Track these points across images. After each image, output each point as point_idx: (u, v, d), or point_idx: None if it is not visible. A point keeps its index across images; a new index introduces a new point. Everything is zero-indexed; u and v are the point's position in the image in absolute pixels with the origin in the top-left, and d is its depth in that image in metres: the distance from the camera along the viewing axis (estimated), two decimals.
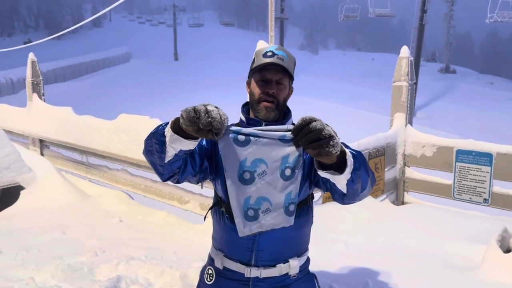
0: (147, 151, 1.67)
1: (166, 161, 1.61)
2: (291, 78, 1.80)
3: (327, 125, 1.39)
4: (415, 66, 24.87)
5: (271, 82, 1.75)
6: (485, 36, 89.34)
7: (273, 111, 1.75)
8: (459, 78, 41.91)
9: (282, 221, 1.59)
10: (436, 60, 58.19)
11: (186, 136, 1.50)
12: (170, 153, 1.57)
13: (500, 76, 48.44)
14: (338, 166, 1.46)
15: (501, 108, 26.59)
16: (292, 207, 1.60)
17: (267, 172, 1.55)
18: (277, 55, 1.74)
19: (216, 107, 1.45)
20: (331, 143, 1.34)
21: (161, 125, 1.62)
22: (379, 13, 25.42)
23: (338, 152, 1.39)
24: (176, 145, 1.54)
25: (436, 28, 46.43)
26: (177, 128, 1.50)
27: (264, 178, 1.56)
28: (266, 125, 1.74)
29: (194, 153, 1.72)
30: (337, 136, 1.38)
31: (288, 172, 1.55)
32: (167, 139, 1.53)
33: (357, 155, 1.58)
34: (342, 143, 1.54)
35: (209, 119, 1.40)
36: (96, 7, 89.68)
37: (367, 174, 1.61)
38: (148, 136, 1.65)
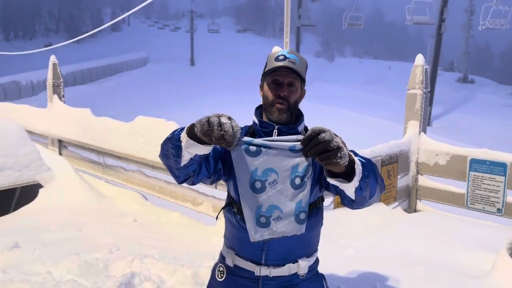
0: (163, 155, 1.75)
1: (181, 165, 1.68)
2: (303, 81, 1.85)
3: (336, 135, 1.44)
4: (432, 75, 24.68)
5: (283, 84, 1.80)
6: (505, 47, 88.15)
7: (284, 113, 1.80)
8: (477, 88, 41.40)
9: (293, 229, 1.64)
10: (454, 69, 57.54)
11: (201, 141, 1.57)
12: (186, 157, 1.65)
13: None
14: (347, 175, 1.52)
15: None
16: (302, 216, 1.64)
17: (277, 181, 1.61)
18: (289, 58, 1.79)
19: (229, 118, 1.51)
20: (338, 154, 1.39)
21: (177, 130, 1.70)
22: (417, 20, 24.31)
23: (346, 163, 1.44)
24: (191, 150, 1.61)
25: (454, 37, 46.02)
26: (193, 134, 1.57)
27: (275, 187, 1.62)
28: (278, 128, 1.80)
29: (209, 156, 1.78)
30: (345, 147, 1.43)
31: (297, 181, 1.60)
32: (182, 144, 1.60)
33: (366, 163, 1.62)
34: (351, 151, 1.60)
35: (222, 132, 1.47)
36: (116, 11, 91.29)
37: (376, 181, 1.65)
38: (164, 141, 1.73)
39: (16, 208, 5.92)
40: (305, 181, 1.61)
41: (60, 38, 70.28)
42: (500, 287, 2.94)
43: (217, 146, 1.82)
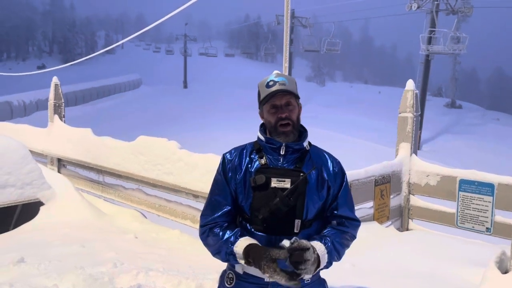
0: (205, 244, 2.02)
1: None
2: (297, 97, 2.03)
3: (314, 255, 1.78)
4: (421, 100, 25.22)
5: (281, 107, 1.97)
6: (491, 73, 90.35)
7: (291, 133, 1.98)
8: (465, 113, 42.22)
9: None
10: (442, 95, 58.70)
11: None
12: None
13: (507, 113, 48.70)
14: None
15: (508, 144, 26.72)
16: None
17: None
18: (278, 82, 1.97)
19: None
20: (304, 272, 1.75)
21: (231, 250, 1.90)
22: (432, 50, 24.68)
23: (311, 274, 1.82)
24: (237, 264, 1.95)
25: (442, 64, 47.11)
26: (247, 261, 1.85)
27: None
28: (285, 144, 1.97)
29: (234, 214, 2.02)
30: (315, 264, 1.79)
31: None
32: (236, 261, 1.91)
33: (338, 247, 1.95)
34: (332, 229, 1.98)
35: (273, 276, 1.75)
36: (109, 34, 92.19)
37: (346, 248, 2.02)
38: (210, 243, 1.99)
39: (17, 225, 6.00)
40: None
41: (54, 60, 70.65)
42: None
43: (228, 195, 2.02)
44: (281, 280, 1.75)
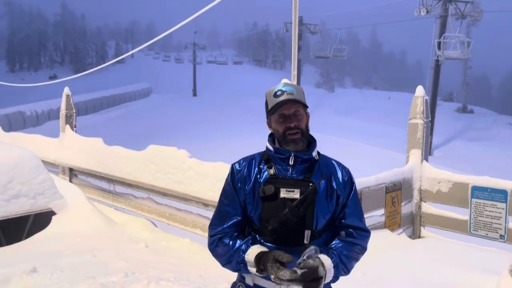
0: (214, 255, 2.02)
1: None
2: (305, 106, 2.02)
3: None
4: (432, 106, 25.04)
5: (290, 116, 1.96)
6: (502, 77, 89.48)
7: (300, 141, 1.97)
8: (476, 118, 41.81)
9: None
10: (453, 99, 58.24)
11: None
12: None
13: None
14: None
15: None
16: None
17: None
18: (286, 91, 1.96)
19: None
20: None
21: (242, 259, 1.88)
22: (449, 56, 24.05)
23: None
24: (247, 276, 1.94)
25: (453, 68, 46.81)
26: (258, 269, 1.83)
27: None
28: (294, 154, 1.96)
29: (243, 224, 2.01)
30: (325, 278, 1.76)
31: None
32: (247, 271, 1.88)
33: (345, 260, 1.91)
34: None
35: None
36: (120, 43, 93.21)
37: (355, 261, 1.98)
38: (219, 254, 1.98)
39: (29, 235, 6.05)
40: None
41: (65, 70, 71.56)
42: None
43: (237, 205, 2.01)
44: (285, 275, 1.72)
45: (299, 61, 37.87)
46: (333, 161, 2.09)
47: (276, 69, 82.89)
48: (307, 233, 1.91)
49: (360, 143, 24.40)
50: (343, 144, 23.14)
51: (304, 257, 1.74)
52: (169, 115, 37.66)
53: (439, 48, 23.78)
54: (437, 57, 23.64)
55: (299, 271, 1.71)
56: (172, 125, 32.36)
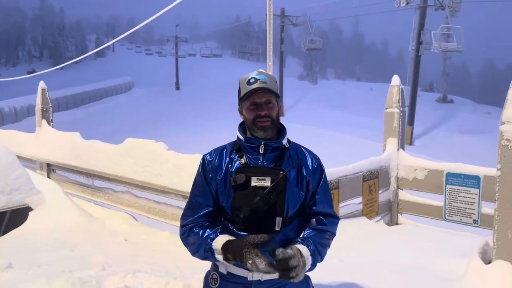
0: (185, 244, 2.06)
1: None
2: (277, 96, 2.03)
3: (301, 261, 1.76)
4: (413, 96, 25.35)
5: (261, 104, 1.97)
6: (481, 67, 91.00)
7: (270, 128, 1.98)
8: (456, 107, 42.49)
9: None
10: (434, 90, 59.02)
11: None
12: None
13: (498, 106, 48.96)
14: None
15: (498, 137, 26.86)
16: None
17: None
18: (259, 79, 1.97)
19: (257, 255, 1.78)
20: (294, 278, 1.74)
21: (209, 246, 1.91)
22: (445, 47, 24.17)
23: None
24: (218, 262, 1.96)
25: (433, 59, 47.37)
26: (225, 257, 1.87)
27: None
28: (264, 143, 1.97)
29: (214, 215, 2.03)
30: (304, 267, 1.78)
31: None
32: (214, 258, 1.93)
33: (320, 248, 1.93)
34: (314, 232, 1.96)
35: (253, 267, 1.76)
36: (100, 37, 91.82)
37: (327, 248, 2.00)
38: (189, 242, 2.01)
39: (6, 231, 5.97)
40: None
41: (44, 65, 70.18)
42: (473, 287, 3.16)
43: (209, 196, 2.03)
44: (262, 264, 1.74)
45: (281, 53, 37.86)
46: (303, 149, 2.11)
47: (260, 62, 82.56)
48: (278, 220, 1.93)
49: (342, 134, 24.58)
50: (325, 136, 23.28)
51: (280, 249, 1.74)
52: (151, 109, 37.37)
53: (418, 39, 23.99)
54: (437, 49, 23.81)
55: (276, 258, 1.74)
56: (155, 119, 32.12)
